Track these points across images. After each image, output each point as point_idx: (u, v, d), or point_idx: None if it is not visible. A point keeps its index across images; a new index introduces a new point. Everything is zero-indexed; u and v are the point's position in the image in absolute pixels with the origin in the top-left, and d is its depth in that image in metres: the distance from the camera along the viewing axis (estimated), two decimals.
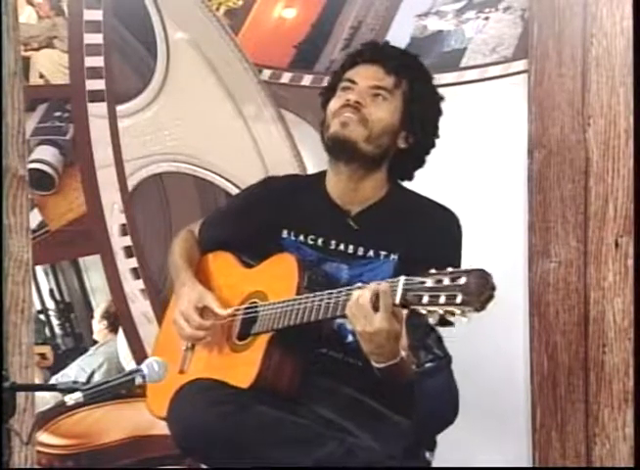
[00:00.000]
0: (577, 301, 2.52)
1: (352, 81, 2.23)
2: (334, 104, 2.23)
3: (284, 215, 2.26)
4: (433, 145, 2.27)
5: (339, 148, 2.21)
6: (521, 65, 2.65)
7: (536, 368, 2.58)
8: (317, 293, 2.05)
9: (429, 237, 2.17)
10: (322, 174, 2.31)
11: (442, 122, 2.66)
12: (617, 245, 2.45)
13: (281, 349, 2.12)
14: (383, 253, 2.18)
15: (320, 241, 2.22)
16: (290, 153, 2.90)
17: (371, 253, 2.19)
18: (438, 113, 2.27)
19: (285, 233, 2.26)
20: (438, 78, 2.71)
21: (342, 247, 2.21)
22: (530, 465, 2.61)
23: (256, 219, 2.29)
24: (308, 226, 2.23)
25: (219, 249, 2.38)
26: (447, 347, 1.96)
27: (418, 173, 2.45)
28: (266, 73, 2.90)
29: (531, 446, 2.60)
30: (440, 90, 2.71)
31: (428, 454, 2.14)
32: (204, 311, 2.24)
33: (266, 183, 2.40)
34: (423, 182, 2.41)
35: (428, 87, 2.28)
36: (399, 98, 2.22)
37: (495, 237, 2.61)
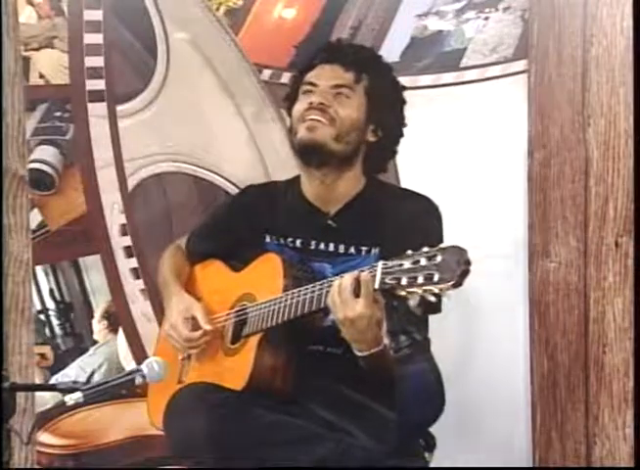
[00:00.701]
0: (577, 301, 2.52)
1: (313, 84, 2.25)
2: (297, 108, 2.26)
3: (265, 221, 2.31)
4: (401, 134, 2.30)
5: (309, 152, 2.23)
6: (521, 65, 2.65)
7: (536, 368, 2.58)
8: (301, 288, 2.07)
9: (407, 228, 2.16)
10: (296, 179, 2.35)
11: (444, 122, 2.69)
12: (617, 245, 2.45)
13: (272, 348, 2.13)
14: (364, 248, 2.20)
15: (299, 242, 2.25)
16: (290, 152, 2.89)
17: (352, 249, 2.22)
18: (402, 102, 2.30)
19: (268, 238, 2.31)
20: (438, 78, 2.76)
21: (322, 246, 2.24)
22: (530, 465, 2.62)
23: (240, 227, 2.35)
24: (288, 229, 2.27)
25: (208, 259, 2.43)
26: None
27: (419, 172, 2.45)
28: (266, 73, 2.90)
29: (531, 447, 2.61)
30: (441, 90, 2.75)
31: (427, 454, 2.15)
32: (194, 322, 2.28)
33: (246, 192, 2.46)
34: (423, 181, 2.42)
35: (388, 78, 2.30)
36: (362, 93, 2.24)
37: (495, 236, 2.62)
